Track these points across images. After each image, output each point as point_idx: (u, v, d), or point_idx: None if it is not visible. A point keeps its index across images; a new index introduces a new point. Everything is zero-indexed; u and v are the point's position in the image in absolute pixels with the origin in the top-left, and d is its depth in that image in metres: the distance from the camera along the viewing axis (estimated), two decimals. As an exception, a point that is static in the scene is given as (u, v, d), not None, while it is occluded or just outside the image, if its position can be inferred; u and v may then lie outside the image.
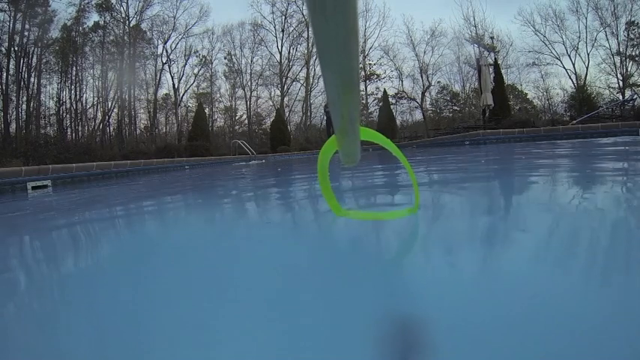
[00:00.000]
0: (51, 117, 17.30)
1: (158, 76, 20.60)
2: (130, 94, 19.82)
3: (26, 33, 15.90)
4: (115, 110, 19.44)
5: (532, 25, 19.58)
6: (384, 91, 20.05)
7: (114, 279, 0.71)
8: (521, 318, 0.39)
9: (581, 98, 17.62)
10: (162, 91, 21.29)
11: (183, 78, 21.40)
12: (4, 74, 15.11)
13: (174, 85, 21.27)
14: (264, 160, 11.54)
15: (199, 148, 15.47)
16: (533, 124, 11.99)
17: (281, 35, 22.15)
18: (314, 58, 20.77)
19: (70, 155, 10.46)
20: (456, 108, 22.14)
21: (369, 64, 22.15)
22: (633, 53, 18.01)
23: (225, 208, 1.70)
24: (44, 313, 0.56)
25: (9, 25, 15.14)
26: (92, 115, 18.87)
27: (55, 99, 17.38)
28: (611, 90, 18.49)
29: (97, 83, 18.83)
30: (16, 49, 15.60)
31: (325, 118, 16.86)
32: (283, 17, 21.98)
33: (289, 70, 22.54)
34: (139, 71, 20.22)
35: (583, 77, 18.94)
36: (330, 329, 0.41)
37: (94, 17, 18.50)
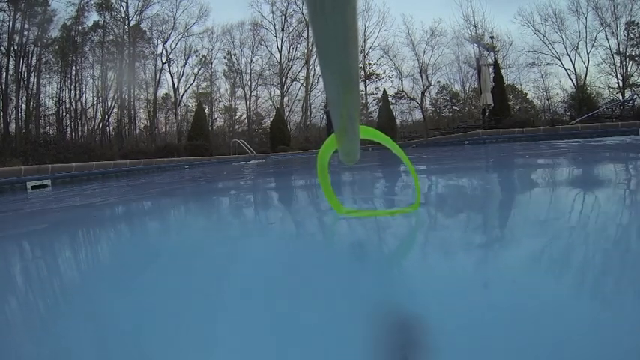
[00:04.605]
0: (50, 117, 17.29)
1: (158, 75, 20.59)
2: (130, 93, 19.81)
3: (26, 32, 15.89)
4: (115, 110, 19.45)
5: (532, 25, 19.58)
6: (384, 91, 20.04)
7: (111, 279, 0.71)
8: (522, 318, 0.40)
9: (581, 98, 17.62)
10: (161, 91, 21.30)
11: (183, 78, 21.40)
12: (4, 74, 15.10)
13: (173, 84, 21.28)
14: (263, 160, 11.53)
15: (199, 147, 15.46)
16: (533, 124, 11.99)
17: (281, 35, 22.16)
18: (314, 57, 20.74)
19: (69, 155, 10.46)
20: (455, 108, 22.13)
21: (369, 63, 22.15)
22: (633, 53, 18.01)
23: (223, 208, 1.70)
24: (39, 314, 0.57)
25: (9, 25, 15.13)
26: (92, 115, 18.86)
27: (54, 99, 17.37)
28: (611, 90, 18.50)
29: (96, 83, 18.83)
30: (15, 48, 15.58)
31: (325, 118, 16.86)
32: (283, 17, 21.99)
33: (289, 69, 22.54)
34: (139, 71, 20.22)
35: (583, 77, 18.95)
36: (330, 329, 0.41)
37: (93, 17, 18.51)
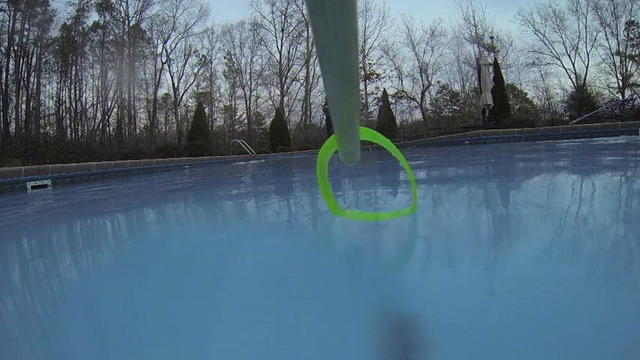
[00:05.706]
0: (50, 117, 17.29)
1: (158, 75, 20.60)
2: (130, 93, 19.81)
3: (26, 33, 15.89)
4: (115, 110, 19.45)
5: (532, 25, 19.59)
6: (384, 91, 20.04)
7: (108, 279, 0.71)
8: (523, 318, 0.40)
9: (581, 98, 17.63)
10: (161, 91, 21.31)
11: (183, 77, 21.40)
12: (4, 74, 15.10)
13: (173, 84, 21.28)
14: (264, 160, 11.53)
15: (199, 147, 15.46)
16: (533, 124, 11.99)
17: (281, 35, 22.16)
18: (314, 57, 20.74)
19: (69, 155, 10.46)
20: (455, 107, 22.12)
21: (369, 63, 22.16)
22: (633, 53, 18.01)
23: (222, 208, 1.70)
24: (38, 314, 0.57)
25: (8, 25, 15.12)
26: (92, 115, 18.86)
27: (54, 98, 17.38)
28: (611, 90, 18.51)
29: (96, 83, 18.83)
30: (15, 48, 15.58)
31: (325, 117, 16.86)
32: (283, 17, 21.98)
33: (289, 69, 22.53)
34: (139, 71, 20.22)
35: (583, 77, 18.95)
36: (329, 330, 0.41)
37: (93, 17, 18.52)
